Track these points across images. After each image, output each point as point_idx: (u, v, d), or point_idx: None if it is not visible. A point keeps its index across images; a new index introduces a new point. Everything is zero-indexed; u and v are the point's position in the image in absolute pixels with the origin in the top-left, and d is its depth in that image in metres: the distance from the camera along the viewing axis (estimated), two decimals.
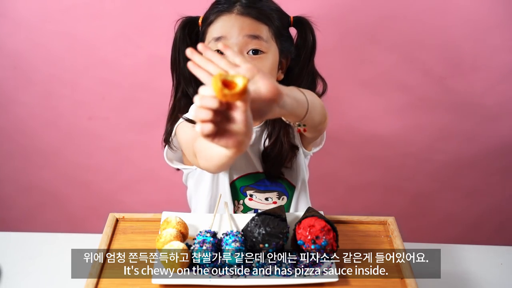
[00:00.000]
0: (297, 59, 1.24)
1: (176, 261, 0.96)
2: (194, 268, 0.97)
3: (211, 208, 1.29)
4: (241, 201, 1.29)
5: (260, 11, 1.14)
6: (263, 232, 0.99)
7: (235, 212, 1.29)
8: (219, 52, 1.13)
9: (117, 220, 1.13)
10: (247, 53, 1.13)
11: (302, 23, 1.22)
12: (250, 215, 1.08)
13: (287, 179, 1.30)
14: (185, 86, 1.25)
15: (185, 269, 0.97)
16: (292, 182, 1.30)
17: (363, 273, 1.01)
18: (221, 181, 1.28)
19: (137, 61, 1.76)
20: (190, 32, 1.21)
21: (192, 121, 1.20)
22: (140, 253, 1.04)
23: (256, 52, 1.13)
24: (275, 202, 1.29)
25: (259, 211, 1.28)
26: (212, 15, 1.15)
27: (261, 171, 1.28)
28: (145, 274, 0.98)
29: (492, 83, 1.78)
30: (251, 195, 1.29)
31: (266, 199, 1.29)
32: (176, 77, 1.27)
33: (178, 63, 1.24)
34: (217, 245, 1.01)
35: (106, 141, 1.88)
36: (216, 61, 0.83)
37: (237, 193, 1.29)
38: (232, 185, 1.28)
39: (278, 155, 1.24)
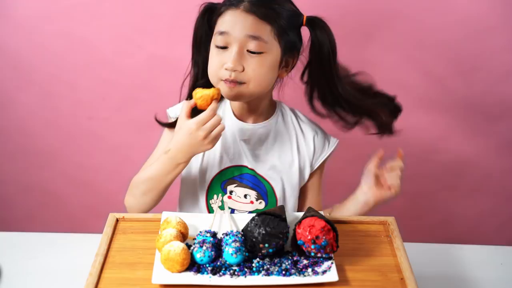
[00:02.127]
0: (318, 61, 1.23)
1: (176, 261, 0.96)
2: (194, 268, 0.97)
3: (193, 203, 1.32)
4: (220, 197, 1.30)
5: (266, 10, 1.15)
6: (263, 232, 0.99)
7: (209, 206, 1.30)
8: (222, 47, 1.16)
9: (117, 220, 1.13)
10: (247, 51, 1.15)
11: (314, 23, 1.21)
12: (250, 215, 1.08)
13: (273, 188, 1.30)
14: (199, 72, 1.28)
15: (185, 269, 0.97)
16: (276, 193, 1.30)
17: (363, 273, 1.01)
18: (210, 172, 1.30)
19: (137, 61, 1.76)
20: (210, 18, 1.22)
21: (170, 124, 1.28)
22: (140, 253, 1.04)
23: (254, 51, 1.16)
24: (252, 202, 1.30)
25: (235, 211, 1.29)
26: (223, 7, 1.18)
27: (248, 166, 1.29)
28: (145, 274, 0.98)
29: (492, 83, 1.78)
30: (231, 192, 1.30)
31: (245, 196, 1.30)
32: (194, 59, 1.28)
33: (198, 47, 1.25)
34: (217, 245, 1.01)
35: (106, 141, 1.88)
36: None
37: (218, 189, 1.30)
38: (214, 179, 1.29)
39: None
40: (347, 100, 1.25)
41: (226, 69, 1.15)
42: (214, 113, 1.15)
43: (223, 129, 1.16)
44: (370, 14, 1.69)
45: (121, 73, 1.77)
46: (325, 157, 1.35)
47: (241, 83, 1.16)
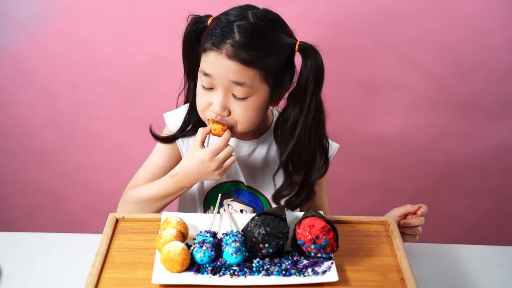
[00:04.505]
0: (300, 89, 1.15)
1: (176, 261, 0.96)
2: (194, 268, 0.97)
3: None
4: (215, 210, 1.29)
5: (250, 55, 1.08)
6: (263, 232, 0.99)
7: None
8: (206, 74, 1.12)
9: (117, 220, 1.13)
10: (232, 94, 1.12)
11: (306, 52, 1.12)
12: (250, 215, 1.08)
13: (270, 204, 1.29)
14: (188, 76, 1.25)
15: (185, 269, 0.97)
16: (271, 206, 1.30)
17: (363, 273, 1.01)
18: (207, 185, 1.30)
19: (137, 61, 1.76)
20: (199, 33, 1.17)
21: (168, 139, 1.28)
22: (140, 253, 1.04)
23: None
24: None
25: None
26: (207, 43, 1.11)
27: (244, 182, 1.29)
28: (145, 274, 0.98)
29: (492, 83, 1.78)
30: (228, 205, 1.30)
31: (241, 211, 1.30)
32: (186, 69, 1.26)
33: (185, 59, 1.22)
34: (217, 245, 1.01)
35: (106, 141, 1.88)
36: None
37: (214, 201, 1.30)
38: (211, 192, 1.30)
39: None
40: (298, 138, 1.16)
41: (212, 111, 1.14)
42: (227, 143, 1.14)
43: (234, 160, 1.15)
44: (370, 14, 1.69)
45: (121, 73, 1.77)
46: None
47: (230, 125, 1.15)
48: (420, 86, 1.78)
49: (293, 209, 1.22)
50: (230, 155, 1.15)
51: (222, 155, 1.14)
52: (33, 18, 1.70)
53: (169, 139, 1.28)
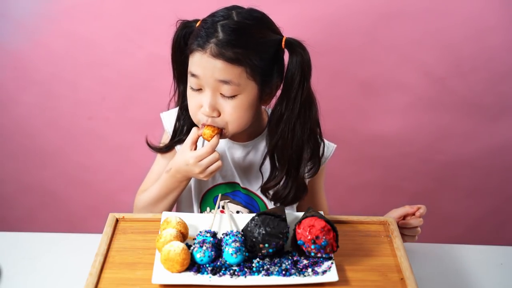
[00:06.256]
0: (287, 86, 1.15)
1: (176, 261, 0.96)
2: (194, 268, 0.98)
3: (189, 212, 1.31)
4: (213, 211, 1.29)
5: (235, 52, 1.08)
6: (263, 232, 0.99)
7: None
8: (193, 75, 1.12)
9: (117, 220, 1.13)
10: (220, 94, 1.12)
11: (292, 48, 1.12)
12: (250, 215, 1.08)
13: (266, 206, 1.29)
14: (178, 81, 1.26)
15: (185, 269, 0.97)
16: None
17: (363, 273, 1.01)
18: (203, 186, 1.30)
19: (137, 61, 1.76)
20: (188, 37, 1.18)
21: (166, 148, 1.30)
22: (140, 253, 1.04)
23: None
24: None
25: None
26: (193, 44, 1.12)
27: (240, 184, 1.29)
28: (145, 274, 0.98)
29: (492, 83, 1.78)
30: (223, 206, 1.29)
31: (237, 212, 1.30)
32: (175, 74, 1.27)
33: (175, 63, 1.24)
34: (217, 245, 1.01)
35: (106, 141, 1.88)
36: None
37: (210, 202, 1.30)
38: (207, 193, 1.30)
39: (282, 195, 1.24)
40: (285, 134, 1.17)
41: (202, 113, 1.14)
42: (212, 150, 1.14)
43: (219, 166, 1.15)
44: (370, 14, 1.69)
45: (121, 73, 1.77)
46: (323, 163, 1.30)
47: (220, 128, 1.15)
48: (420, 86, 1.79)
49: (285, 205, 1.22)
50: (216, 161, 1.14)
51: (206, 161, 1.14)
52: (33, 18, 1.70)
53: (165, 150, 1.30)
